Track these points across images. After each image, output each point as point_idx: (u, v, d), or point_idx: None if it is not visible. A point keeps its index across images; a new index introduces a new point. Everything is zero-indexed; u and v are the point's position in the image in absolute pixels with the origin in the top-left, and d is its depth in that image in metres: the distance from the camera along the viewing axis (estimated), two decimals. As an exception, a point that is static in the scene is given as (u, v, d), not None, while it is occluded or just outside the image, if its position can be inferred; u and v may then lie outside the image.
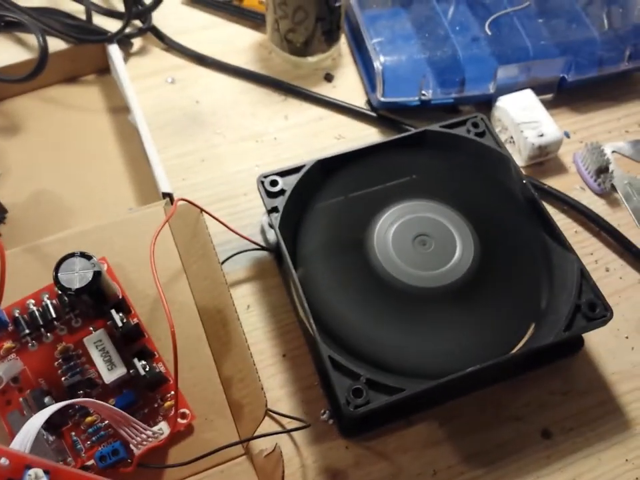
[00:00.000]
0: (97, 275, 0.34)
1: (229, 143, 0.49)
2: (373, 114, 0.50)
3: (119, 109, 0.51)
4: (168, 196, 0.42)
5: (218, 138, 0.50)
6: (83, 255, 0.34)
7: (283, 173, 0.41)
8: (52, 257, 0.39)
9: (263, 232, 0.45)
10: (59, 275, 0.34)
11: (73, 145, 0.49)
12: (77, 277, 0.34)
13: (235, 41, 0.55)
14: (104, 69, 0.53)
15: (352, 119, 0.51)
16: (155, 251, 0.39)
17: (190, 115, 0.51)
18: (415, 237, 0.39)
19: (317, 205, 0.42)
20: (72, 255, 0.34)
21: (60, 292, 0.35)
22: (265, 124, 0.50)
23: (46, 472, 0.24)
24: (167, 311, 0.33)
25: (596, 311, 0.37)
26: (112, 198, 0.46)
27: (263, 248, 0.44)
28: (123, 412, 0.33)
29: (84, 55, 0.51)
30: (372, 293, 0.38)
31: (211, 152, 0.49)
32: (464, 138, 0.43)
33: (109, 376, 0.35)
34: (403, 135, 0.43)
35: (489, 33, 0.50)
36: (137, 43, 0.54)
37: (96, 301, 0.36)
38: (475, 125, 0.43)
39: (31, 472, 0.23)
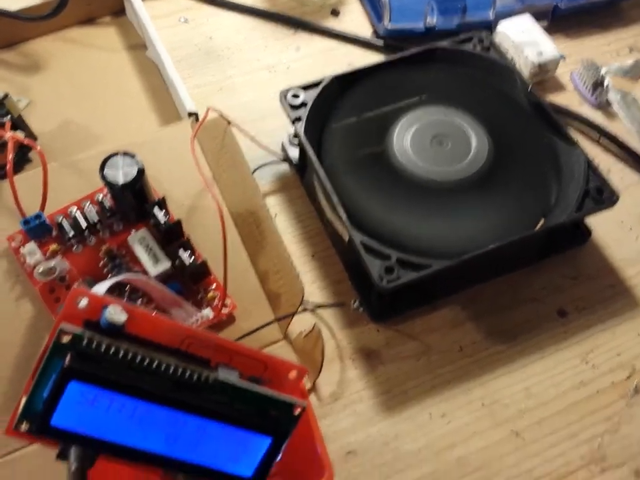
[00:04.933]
0: (141, 171, 0.36)
1: (243, 74, 0.52)
2: (380, 42, 0.53)
3: (137, 46, 0.53)
4: (194, 115, 0.45)
5: (233, 70, 0.52)
6: (126, 153, 0.36)
7: (304, 88, 0.43)
8: (88, 172, 0.42)
9: (284, 150, 0.47)
10: (104, 171, 0.36)
11: (94, 80, 0.51)
12: (120, 173, 0.36)
13: (242, -17, 0.58)
14: (118, 11, 0.55)
15: (361, 48, 0.54)
16: (185, 164, 0.42)
17: (204, 50, 0.53)
18: (432, 138, 0.42)
19: (333, 125, 0.44)
20: (115, 153, 0.36)
21: (106, 188, 0.37)
22: (278, 55, 0.53)
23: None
24: (214, 196, 0.35)
25: (603, 195, 0.40)
26: (136, 127, 0.48)
27: (286, 160, 0.46)
28: (174, 293, 0.35)
29: (99, -4, 0.53)
30: (396, 190, 0.40)
31: (227, 82, 0.51)
32: (471, 53, 0.46)
33: (154, 270, 0.37)
34: (413, 51, 0.46)
35: (487, -40, 0.53)
36: (148, -14, 0.56)
37: (138, 200, 0.38)
38: (480, 41, 0.46)
39: (110, 308, 0.25)
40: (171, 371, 0.25)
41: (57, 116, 0.48)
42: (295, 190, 0.46)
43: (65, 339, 0.24)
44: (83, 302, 0.25)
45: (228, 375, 0.27)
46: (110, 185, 0.36)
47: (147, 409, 0.25)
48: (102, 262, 0.38)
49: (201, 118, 0.42)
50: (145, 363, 0.25)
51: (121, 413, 0.25)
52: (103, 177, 0.36)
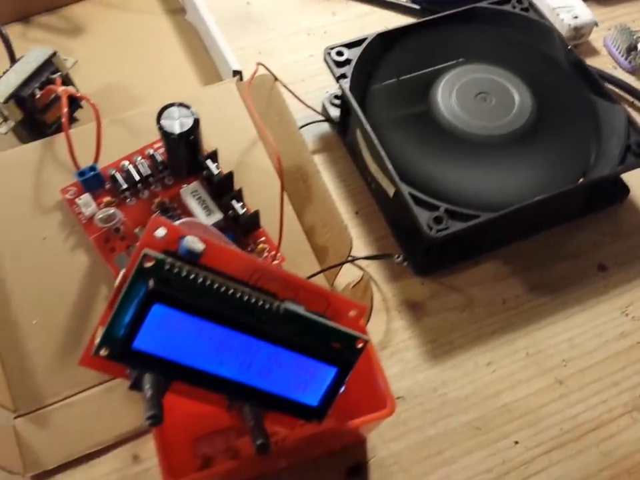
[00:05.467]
0: (197, 121, 0.37)
1: (282, 37, 0.52)
2: (416, 6, 0.53)
3: (175, 10, 0.53)
4: (238, 73, 0.45)
5: (271, 33, 0.53)
6: (182, 104, 0.37)
7: (348, 45, 0.44)
8: (137, 128, 0.42)
9: (324, 110, 0.48)
10: (161, 122, 0.36)
11: (134, 43, 0.51)
12: (177, 123, 0.37)
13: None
14: (156, -24, 0.55)
15: (396, 13, 0.54)
16: (230, 122, 0.43)
17: (242, 15, 0.54)
18: (477, 95, 0.42)
19: (376, 85, 0.44)
20: (171, 104, 0.37)
21: (162, 139, 0.37)
22: (314, 20, 0.54)
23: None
24: (271, 144, 0.36)
25: (645, 149, 0.40)
26: (178, 87, 0.49)
27: (327, 119, 0.47)
28: (231, 241, 0.36)
29: (139, -39, 0.54)
30: (443, 145, 0.41)
31: (266, 45, 0.52)
32: (511, 13, 0.46)
33: (207, 221, 0.38)
34: (453, 10, 0.46)
35: None
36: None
37: (191, 152, 0.38)
38: (519, 2, 0.47)
39: (188, 237, 0.26)
40: (245, 298, 0.26)
41: (99, 77, 0.49)
42: (337, 150, 0.47)
43: (148, 263, 0.25)
44: (161, 232, 0.26)
45: (296, 307, 0.28)
46: (166, 135, 0.36)
47: (223, 335, 0.26)
48: (155, 215, 0.39)
49: (250, 74, 0.42)
50: (222, 290, 0.26)
51: (199, 338, 0.26)
52: (160, 127, 0.36)
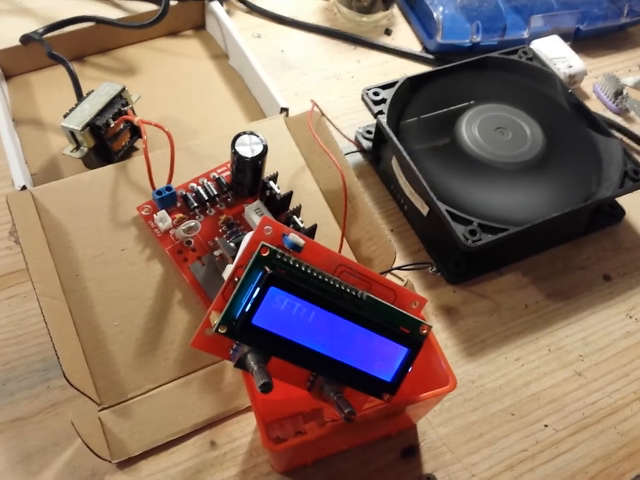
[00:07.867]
0: (265, 148, 0.42)
1: (315, 81, 0.59)
2: (431, 56, 0.61)
3: (218, 56, 0.60)
4: (285, 110, 0.51)
5: (305, 77, 0.59)
6: (252, 133, 0.43)
7: (383, 87, 0.51)
8: (200, 155, 0.48)
9: (357, 142, 0.54)
10: (236, 147, 0.42)
11: (183, 84, 0.57)
12: (249, 148, 0.42)
13: (303, 7, 0.65)
14: (199, 26, 0.62)
15: (413, 62, 0.62)
16: (280, 151, 0.49)
17: (278, 61, 0.60)
18: (496, 129, 0.49)
19: (406, 121, 0.51)
20: (243, 133, 0.43)
21: (235, 162, 0.43)
22: (342, 66, 0.60)
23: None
24: (339, 168, 0.41)
25: (639, 174, 0.47)
26: (227, 121, 0.55)
27: (362, 150, 0.53)
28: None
29: (185, 11, 0.60)
30: (470, 171, 0.47)
31: (301, 88, 0.58)
32: (519, 62, 0.54)
33: (270, 234, 0.43)
34: (469, 59, 0.54)
35: (521, -11, 0.62)
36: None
37: (255, 175, 0.44)
38: (525, 52, 0.54)
39: (291, 234, 0.31)
40: (337, 285, 0.31)
41: (154, 113, 0.54)
42: (370, 177, 0.53)
43: (264, 253, 0.30)
44: (269, 228, 0.31)
45: (373, 296, 0.33)
46: (240, 159, 0.42)
47: (319, 315, 0.31)
48: (221, 229, 0.44)
49: (309, 110, 0.49)
50: (319, 277, 0.31)
51: (300, 317, 0.31)
52: (235, 152, 0.42)
